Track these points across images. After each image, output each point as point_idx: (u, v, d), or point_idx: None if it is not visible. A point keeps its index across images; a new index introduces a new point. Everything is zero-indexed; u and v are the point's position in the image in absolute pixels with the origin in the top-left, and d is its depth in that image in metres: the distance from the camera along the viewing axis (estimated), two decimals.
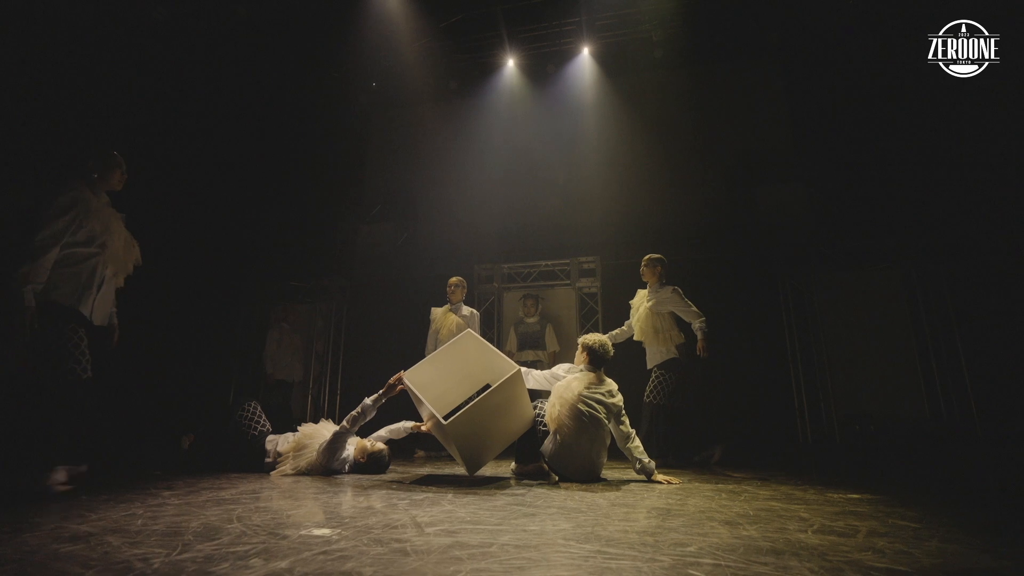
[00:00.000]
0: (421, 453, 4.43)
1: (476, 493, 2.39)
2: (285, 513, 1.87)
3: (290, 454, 3.01)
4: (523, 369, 3.25)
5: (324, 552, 1.35)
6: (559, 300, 6.09)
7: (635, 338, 4.12)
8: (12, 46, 5.02)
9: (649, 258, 4.15)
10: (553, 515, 1.87)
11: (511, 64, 7.89)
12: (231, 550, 1.35)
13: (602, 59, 7.70)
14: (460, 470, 3.40)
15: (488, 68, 8.10)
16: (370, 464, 3.08)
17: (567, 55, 7.84)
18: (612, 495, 2.37)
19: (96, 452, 2.37)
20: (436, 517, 1.83)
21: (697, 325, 3.92)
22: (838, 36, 6.03)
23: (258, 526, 1.64)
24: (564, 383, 3.02)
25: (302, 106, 7.77)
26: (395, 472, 3.26)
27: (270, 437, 3.16)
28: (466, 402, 3.09)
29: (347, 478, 2.96)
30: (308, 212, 7.31)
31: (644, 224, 6.24)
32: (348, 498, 2.27)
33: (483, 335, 6.10)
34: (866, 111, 5.78)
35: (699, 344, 3.92)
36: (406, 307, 6.08)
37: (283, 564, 1.24)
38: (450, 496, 2.31)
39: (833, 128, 5.87)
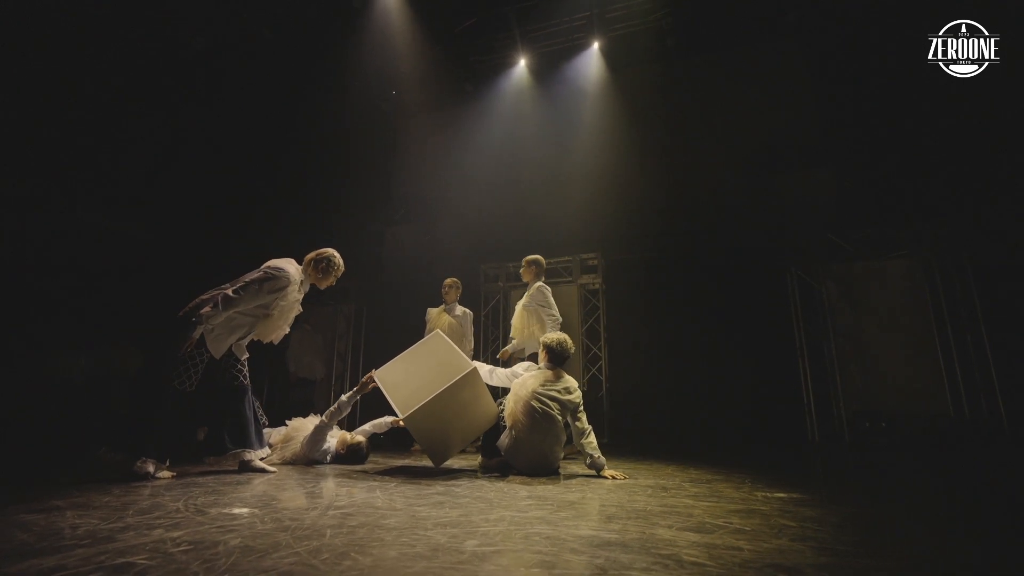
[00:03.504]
0: (417, 447, 4.69)
1: (419, 483, 2.59)
2: (229, 496, 2.16)
3: (278, 445, 3.36)
4: (487, 367, 3.42)
5: (220, 526, 1.60)
6: (563, 297, 6.14)
7: (510, 335, 4.17)
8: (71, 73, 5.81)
9: (526, 259, 4.20)
10: (459, 504, 2.03)
11: (522, 64, 7.99)
12: (151, 522, 1.64)
13: (613, 52, 7.62)
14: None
15: (501, 68, 8.24)
16: (349, 455, 3.37)
17: (578, 50, 7.83)
18: (544, 488, 2.49)
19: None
20: (354, 502, 2.05)
21: (547, 329, 3.88)
22: (856, 16, 5.62)
23: (194, 505, 1.93)
24: (520, 380, 3.16)
25: (326, 117, 8.26)
26: (375, 463, 3.53)
27: (265, 430, 3.52)
28: None
29: (326, 468, 3.27)
30: (331, 216, 7.80)
31: (648, 218, 6.16)
32: (300, 484, 2.55)
33: (489, 333, 6.31)
34: (885, 91, 5.36)
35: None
36: (421, 307, 6.40)
37: (177, 533, 1.50)
38: (393, 485, 2.52)
39: (851, 111, 5.50)
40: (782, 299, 5.17)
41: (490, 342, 6.24)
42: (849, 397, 4.72)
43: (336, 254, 3.15)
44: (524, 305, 4.12)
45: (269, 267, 2.86)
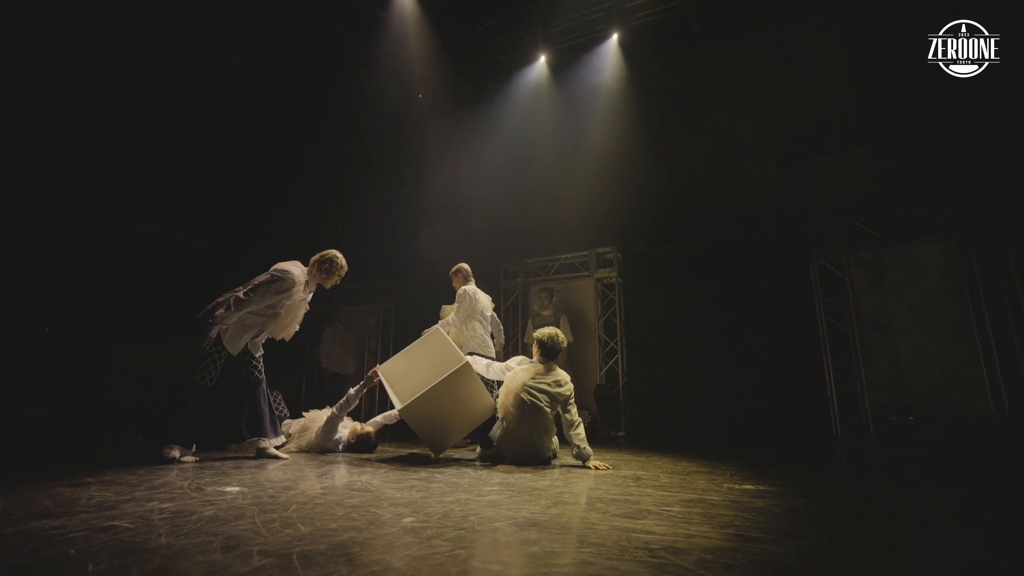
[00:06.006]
0: None
1: (407, 470, 2.78)
2: (233, 477, 2.43)
3: (296, 435, 3.67)
4: (484, 361, 3.56)
5: (207, 501, 1.84)
6: (580, 292, 6.19)
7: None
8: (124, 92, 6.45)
9: (452, 270, 4.34)
10: (428, 488, 2.19)
11: (542, 60, 8.04)
12: (152, 496, 1.91)
13: (632, 43, 7.52)
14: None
15: (521, 65, 8.32)
16: (358, 444, 3.62)
17: (597, 43, 7.79)
18: (521, 476, 2.61)
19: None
20: (334, 485, 2.26)
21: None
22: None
23: (197, 485, 2.20)
24: (512, 374, 3.27)
25: (353, 122, 8.63)
26: (384, 452, 3.77)
27: (286, 421, 3.86)
28: None
29: (337, 456, 3.54)
30: (363, 219, 8.18)
31: (664, 210, 6.06)
32: (302, 469, 2.81)
33: (508, 329, 6.44)
34: (914, 70, 4.97)
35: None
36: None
37: (167, 505, 1.76)
38: (384, 471, 2.73)
39: (877, 90, 5.15)
40: (805, 288, 4.96)
41: (509, 338, 6.37)
42: (875, 390, 4.46)
43: (339, 255, 3.34)
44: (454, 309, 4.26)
45: (276, 269, 3.13)
